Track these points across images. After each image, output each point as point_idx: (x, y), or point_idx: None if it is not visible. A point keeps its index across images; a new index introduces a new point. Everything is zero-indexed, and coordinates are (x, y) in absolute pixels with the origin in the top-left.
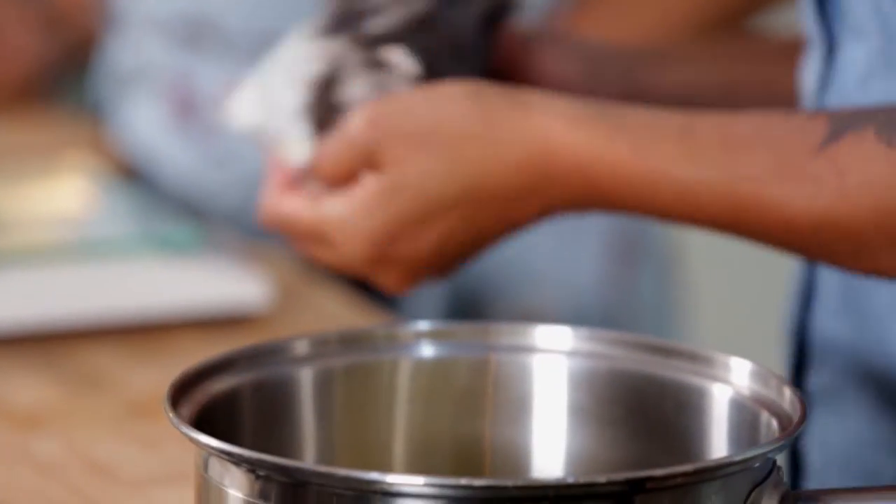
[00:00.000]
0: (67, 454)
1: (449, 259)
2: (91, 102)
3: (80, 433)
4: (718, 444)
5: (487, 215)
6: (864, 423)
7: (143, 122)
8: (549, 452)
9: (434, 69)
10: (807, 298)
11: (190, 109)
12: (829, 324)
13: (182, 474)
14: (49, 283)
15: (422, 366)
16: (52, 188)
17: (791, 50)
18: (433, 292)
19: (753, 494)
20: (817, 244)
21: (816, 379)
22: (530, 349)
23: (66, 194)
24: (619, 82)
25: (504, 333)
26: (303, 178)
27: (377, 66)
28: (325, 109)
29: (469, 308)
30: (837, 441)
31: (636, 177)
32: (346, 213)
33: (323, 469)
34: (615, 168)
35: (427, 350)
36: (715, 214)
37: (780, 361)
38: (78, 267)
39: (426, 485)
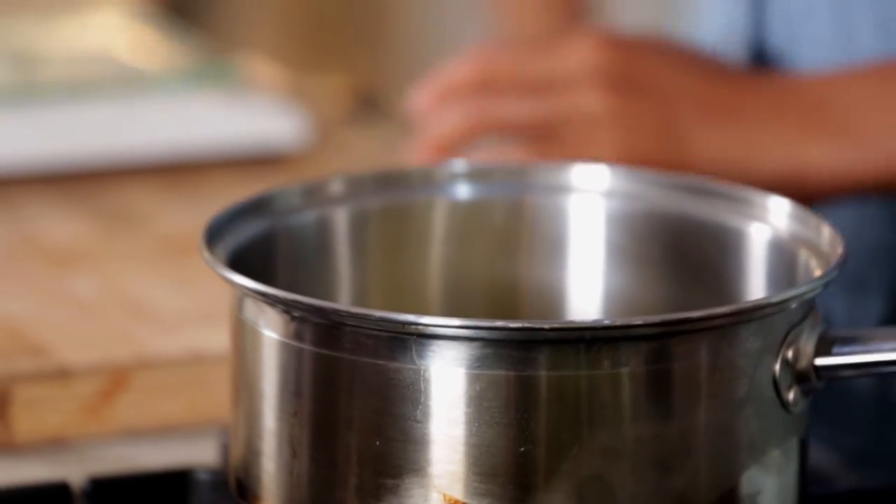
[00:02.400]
0: (102, 292)
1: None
2: None
3: (114, 271)
4: (756, 285)
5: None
6: None
7: None
8: (586, 294)
9: None
10: None
11: None
12: None
13: (217, 313)
14: (82, 120)
15: (457, 206)
16: (86, 23)
17: None
18: None
19: (791, 335)
20: None
21: None
22: (567, 189)
23: (100, 29)
24: None
25: (540, 173)
26: None
27: None
28: None
29: None
30: None
31: None
32: None
33: (358, 310)
34: None
35: (463, 190)
36: None
37: None
38: (112, 103)
39: (461, 326)
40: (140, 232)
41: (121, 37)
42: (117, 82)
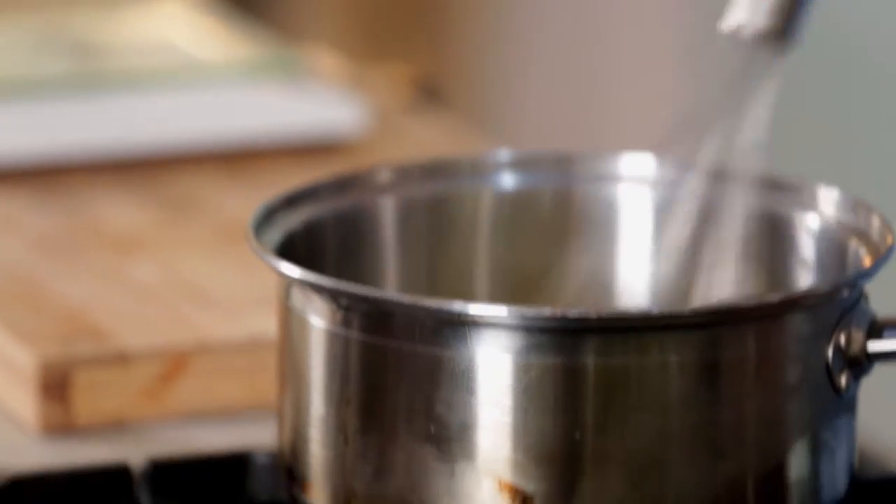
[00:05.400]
0: (162, 277)
1: None
2: None
3: (174, 257)
4: (805, 274)
5: None
6: None
7: None
8: (634, 283)
9: None
10: None
11: None
12: None
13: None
14: (143, 108)
15: (504, 196)
16: (148, 13)
17: None
18: None
19: (842, 322)
20: None
21: None
22: (614, 178)
23: (163, 19)
24: None
25: (587, 162)
26: None
27: None
28: None
29: None
30: None
31: None
32: None
33: (407, 299)
34: None
35: (509, 180)
36: None
37: None
38: (173, 92)
39: (509, 315)
40: (200, 218)
41: (183, 27)
42: (179, 72)
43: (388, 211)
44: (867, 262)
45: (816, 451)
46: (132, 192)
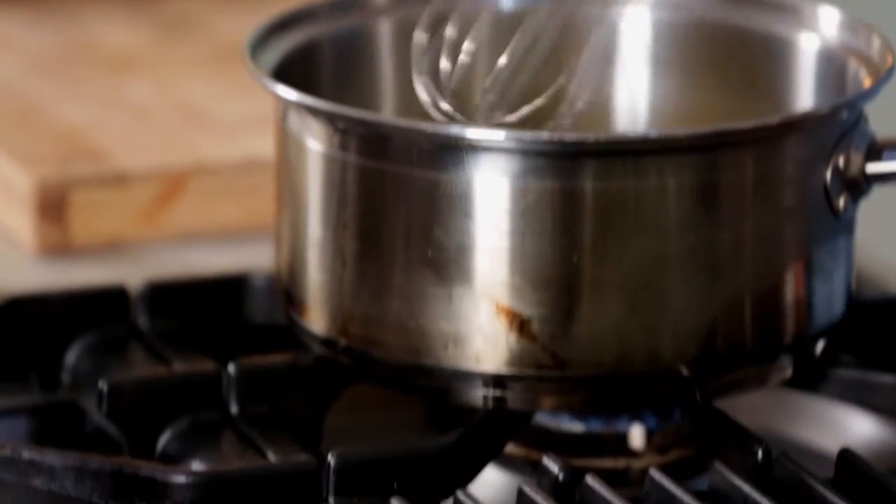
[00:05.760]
0: (159, 97)
1: None
2: None
3: (171, 77)
4: (805, 94)
5: None
6: None
7: None
8: (632, 106)
9: None
10: None
11: None
12: None
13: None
14: None
15: (503, 17)
16: None
17: None
18: None
19: (841, 143)
20: None
21: None
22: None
23: None
24: None
25: None
26: None
27: None
28: None
29: None
30: None
31: None
32: None
33: (404, 122)
34: None
35: (508, 0)
36: None
37: None
38: None
39: (507, 138)
40: (198, 38)
41: None
42: None
43: (385, 33)
44: (867, 83)
45: (814, 273)
46: (128, 12)
